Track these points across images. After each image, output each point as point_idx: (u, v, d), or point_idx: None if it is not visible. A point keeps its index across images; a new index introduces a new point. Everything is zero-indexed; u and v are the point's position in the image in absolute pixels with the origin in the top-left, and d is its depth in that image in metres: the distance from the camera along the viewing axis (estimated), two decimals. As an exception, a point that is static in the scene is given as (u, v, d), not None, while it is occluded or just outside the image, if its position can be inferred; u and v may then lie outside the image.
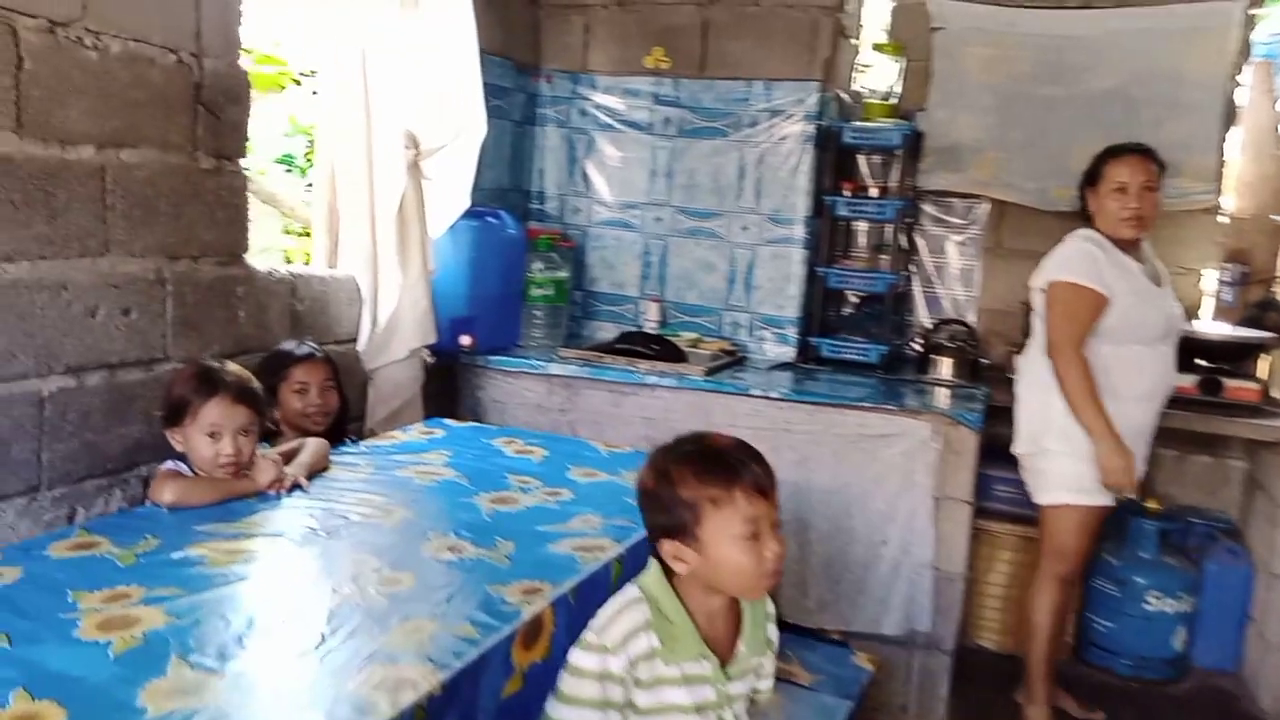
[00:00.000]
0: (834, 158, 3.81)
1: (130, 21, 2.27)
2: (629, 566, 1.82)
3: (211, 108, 2.51)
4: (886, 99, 3.95)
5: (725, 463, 1.57)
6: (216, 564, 1.67)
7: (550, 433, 3.29)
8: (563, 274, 3.79)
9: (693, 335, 3.84)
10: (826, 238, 3.79)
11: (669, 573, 1.59)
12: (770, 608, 1.72)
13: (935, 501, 3.08)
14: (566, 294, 3.83)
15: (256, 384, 2.20)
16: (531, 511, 2.06)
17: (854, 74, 4.13)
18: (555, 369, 3.40)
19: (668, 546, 1.58)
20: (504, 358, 3.46)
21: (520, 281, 3.66)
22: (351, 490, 2.12)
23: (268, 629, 1.44)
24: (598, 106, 3.96)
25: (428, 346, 3.42)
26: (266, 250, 3.14)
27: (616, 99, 3.94)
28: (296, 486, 2.12)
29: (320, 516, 1.94)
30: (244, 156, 2.65)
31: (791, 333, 3.82)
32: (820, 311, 3.82)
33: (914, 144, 3.84)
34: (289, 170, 4.23)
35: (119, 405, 2.35)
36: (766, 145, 3.77)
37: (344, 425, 2.74)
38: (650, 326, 3.87)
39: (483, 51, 3.58)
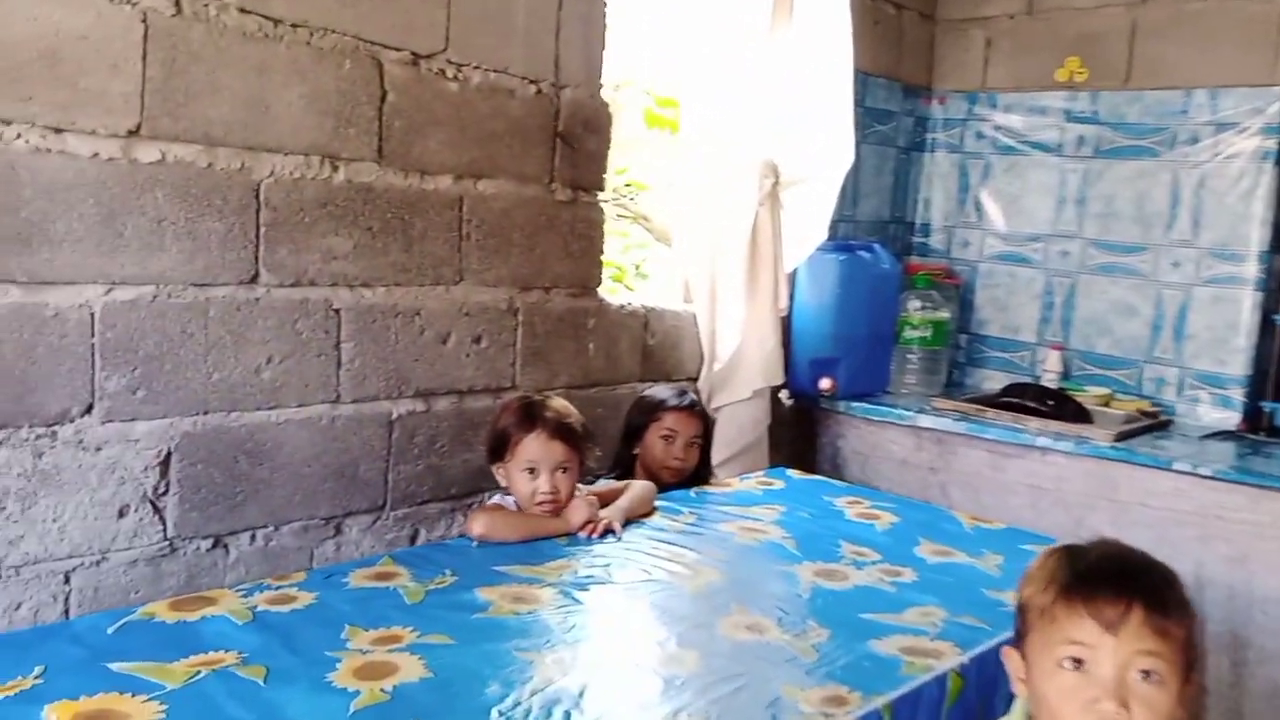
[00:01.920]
0: (1303, 179, 3.05)
1: (491, 53, 2.29)
2: (973, 685, 1.45)
3: (569, 139, 2.48)
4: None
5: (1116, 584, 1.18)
6: (498, 612, 1.55)
7: (914, 496, 2.91)
8: (943, 315, 3.38)
9: (1102, 392, 3.25)
10: (1289, 278, 3.04)
11: None
12: None
13: None
14: (947, 337, 3.41)
15: (578, 420, 2.10)
16: (860, 592, 1.75)
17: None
18: (927, 421, 3.01)
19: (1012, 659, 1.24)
20: (869, 405, 3.13)
21: (893, 322, 3.32)
22: (665, 542, 1.94)
23: (515, 703, 1.27)
24: (997, 128, 3.52)
25: (785, 388, 3.21)
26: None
27: (1020, 118, 3.47)
28: (610, 531, 1.98)
29: (621, 569, 1.77)
30: (602, 189, 2.60)
31: (1236, 394, 3.10)
32: (1278, 370, 3.06)
33: None
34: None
35: (465, 431, 2.36)
36: (1209, 166, 3.11)
37: (695, 483, 2.58)
38: (1048, 379, 3.34)
39: (866, 73, 3.34)
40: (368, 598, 1.58)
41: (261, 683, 1.28)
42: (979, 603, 1.73)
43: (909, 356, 3.37)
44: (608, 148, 2.59)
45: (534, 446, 2.01)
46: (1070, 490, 2.77)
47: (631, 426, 2.51)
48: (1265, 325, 3.06)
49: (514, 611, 1.55)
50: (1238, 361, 3.09)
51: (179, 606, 1.50)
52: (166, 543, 1.92)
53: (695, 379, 2.94)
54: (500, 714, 1.24)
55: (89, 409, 1.79)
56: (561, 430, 2.05)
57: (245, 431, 2.00)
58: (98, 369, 1.79)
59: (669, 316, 2.88)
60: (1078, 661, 1.15)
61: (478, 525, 1.90)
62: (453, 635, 1.45)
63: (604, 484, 2.20)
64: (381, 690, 1.28)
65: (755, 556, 1.92)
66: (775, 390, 3.16)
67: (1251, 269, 3.06)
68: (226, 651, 1.36)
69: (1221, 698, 2.52)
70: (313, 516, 2.13)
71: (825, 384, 3.16)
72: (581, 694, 1.30)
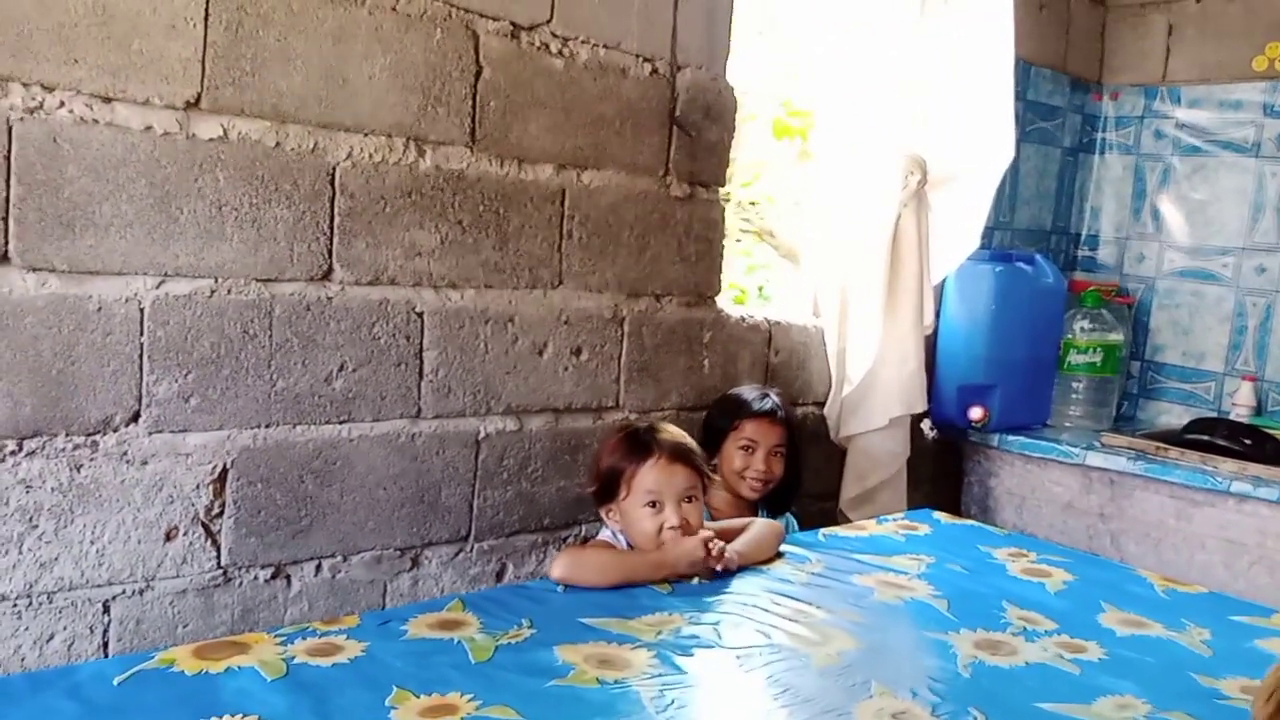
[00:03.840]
0: None
1: (602, 26, 2.03)
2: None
3: (687, 126, 2.19)
4: None
5: None
6: (578, 679, 1.26)
7: (1080, 546, 2.51)
8: (1115, 338, 2.95)
9: (1307, 430, 2.76)
10: None
11: None
12: None
13: None
14: (1118, 364, 2.98)
15: (694, 444, 1.80)
16: (1033, 672, 1.39)
17: None
18: (1096, 459, 2.59)
19: None
20: (1026, 439, 2.73)
21: (1055, 345, 2.90)
22: (787, 595, 1.61)
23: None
24: (1180, 125, 3.08)
25: (924, 417, 2.84)
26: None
27: (1208, 114, 3.02)
28: (727, 570, 1.67)
29: (734, 629, 1.46)
30: (723, 184, 2.31)
31: None
32: None
33: None
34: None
35: (561, 455, 2.09)
36: None
37: (788, 500, 2.25)
38: (1239, 414, 2.87)
39: (1027, 63, 2.96)
40: (427, 652, 1.31)
41: (273, 762, 1.02)
42: (1190, 692, 1.36)
43: (1073, 385, 2.95)
44: (731, 138, 2.29)
45: (653, 475, 1.72)
46: (1275, 548, 2.32)
47: (708, 435, 2.19)
48: None
49: (598, 679, 1.26)
50: None
51: (204, 653, 1.26)
52: (220, 571, 1.70)
53: (823, 403, 2.61)
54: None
55: (135, 417, 1.58)
56: (681, 453, 1.75)
57: (313, 448, 1.77)
58: (146, 372, 1.59)
59: (796, 332, 2.56)
60: None
61: (559, 567, 1.61)
62: (520, 709, 1.17)
63: (724, 524, 1.88)
64: (426, 782, 1.00)
65: (900, 620, 1.57)
66: (916, 420, 2.80)
67: None
68: (245, 716, 1.11)
69: None
70: (387, 546, 1.88)
71: (976, 414, 2.77)
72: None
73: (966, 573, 1.80)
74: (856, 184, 2.52)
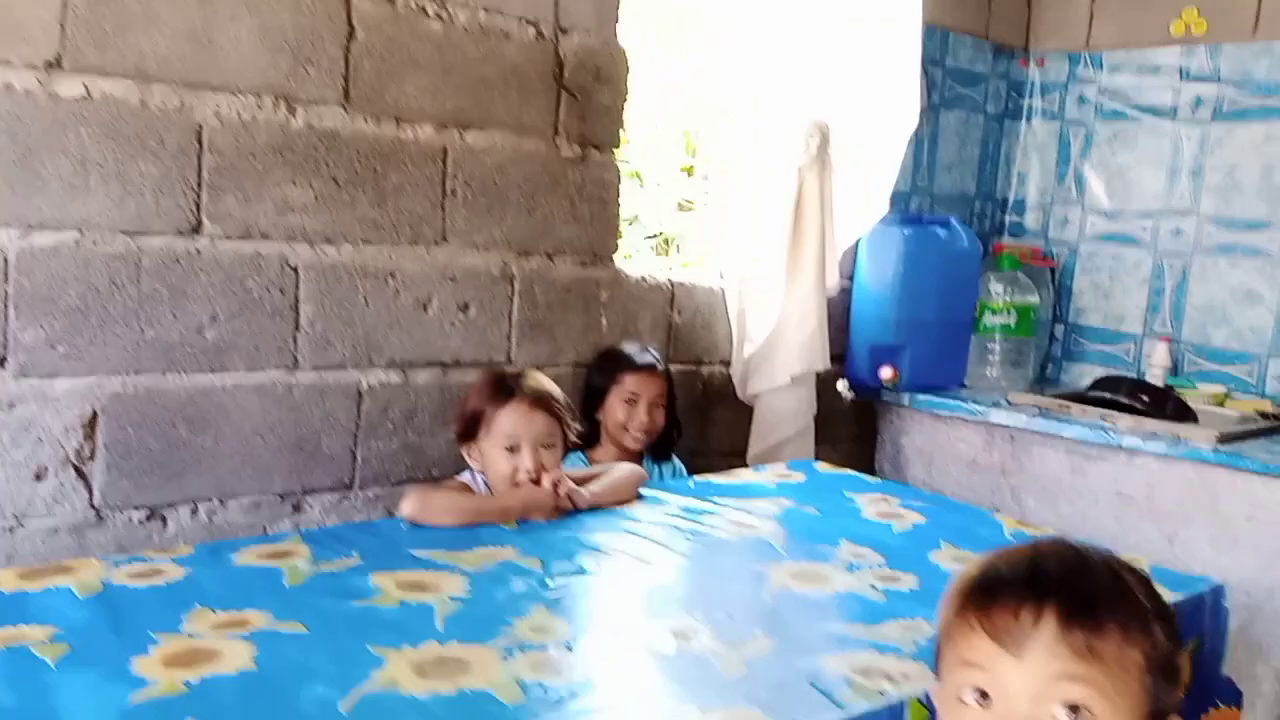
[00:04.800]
0: None
1: (480, -10, 2.08)
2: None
3: (576, 89, 2.24)
4: None
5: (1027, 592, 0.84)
6: (382, 601, 1.32)
7: (982, 501, 2.55)
8: (1031, 300, 2.98)
9: (1217, 389, 2.79)
10: None
11: None
12: None
13: None
14: (1034, 326, 3.01)
15: (559, 393, 1.86)
16: (837, 600, 1.44)
17: None
18: (999, 417, 2.63)
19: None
20: (935, 398, 2.77)
21: (971, 307, 2.94)
22: (633, 533, 1.67)
23: (329, 709, 1.04)
24: (1102, 91, 3.10)
25: (844, 379, 2.89)
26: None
27: (1129, 79, 3.04)
28: (575, 509, 1.73)
29: (559, 560, 1.51)
30: (617, 146, 2.36)
31: (1382, 396, 2.60)
32: None
33: None
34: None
35: (449, 408, 2.14)
36: (1353, 125, 2.63)
37: (668, 449, 2.31)
38: (1154, 375, 2.90)
39: (947, 29, 2.99)
40: (244, 578, 1.38)
41: (51, 664, 1.09)
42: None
43: (989, 347, 2.98)
44: (624, 101, 2.34)
45: (512, 419, 1.78)
46: (1163, 500, 2.36)
47: (591, 393, 2.26)
48: None
49: (400, 601, 1.32)
50: (1385, 357, 2.59)
51: (29, 575, 1.33)
52: (93, 511, 1.77)
53: (730, 363, 2.66)
54: (306, 721, 1.01)
55: (1, 362, 1.66)
56: (542, 400, 1.81)
57: (185, 395, 1.84)
58: (12, 319, 1.66)
59: (700, 292, 2.61)
60: (982, 694, 0.84)
61: (408, 504, 1.68)
62: (310, 624, 1.23)
63: (584, 469, 1.95)
64: (182, 683, 1.06)
65: (729, 554, 1.63)
66: (831, 380, 2.85)
67: (1405, 247, 2.56)
68: (41, 626, 1.18)
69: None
70: (266, 491, 1.96)
71: (885, 373, 2.81)
72: (417, 704, 1.05)
73: (818, 515, 1.85)
74: (759, 147, 2.57)
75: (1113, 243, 3.09)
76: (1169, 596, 1.53)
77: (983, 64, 3.15)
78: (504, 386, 1.82)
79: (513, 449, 1.77)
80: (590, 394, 2.26)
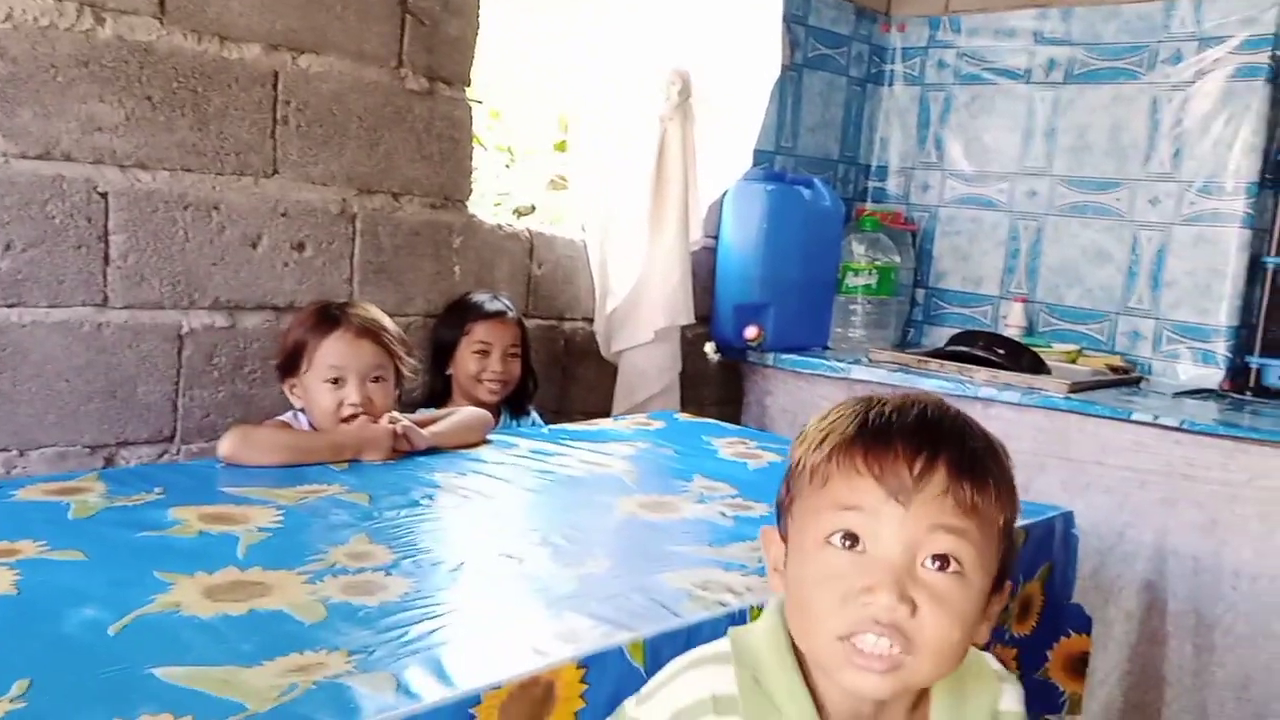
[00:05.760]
0: (1301, 101, 2.65)
1: (314, -98, 1.94)
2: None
3: (422, 16, 2.12)
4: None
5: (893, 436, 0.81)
6: (179, 532, 1.18)
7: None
8: (892, 260, 2.99)
9: (1070, 347, 2.85)
10: (1283, 215, 2.63)
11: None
12: (1008, 702, 0.89)
13: None
14: (895, 286, 3.02)
15: (391, 324, 1.74)
16: (685, 524, 1.37)
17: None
18: (859, 373, 2.62)
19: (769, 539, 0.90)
20: (798, 357, 2.75)
21: (834, 268, 2.93)
22: (478, 473, 1.56)
23: (93, 630, 0.90)
24: (961, 54, 3.13)
25: (711, 341, 2.84)
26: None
27: (986, 42, 3.08)
28: (412, 450, 1.61)
29: (387, 496, 1.39)
30: (468, 83, 2.24)
31: (1221, 349, 2.69)
32: (1268, 322, 2.65)
33: None
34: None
35: (285, 355, 2.00)
36: (1193, 87, 2.71)
37: (524, 401, 2.21)
38: (1012, 334, 2.94)
39: (813, -11, 2.97)
40: (23, 511, 1.22)
41: None
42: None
43: (852, 308, 2.98)
44: (475, 33, 2.23)
45: (337, 349, 1.65)
46: (1018, 448, 2.32)
47: (440, 346, 2.14)
48: (1253, 270, 2.66)
49: (200, 531, 1.18)
50: (1221, 312, 2.68)
51: None
52: None
53: (593, 319, 2.57)
54: (72, 641, 0.87)
55: None
56: (370, 329, 1.68)
57: (-27, 330, 1.64)
58: None
59: (561, 244, 2.52)
60: (851, 539, 0.79)
61: (225, 443, 1.53)
62: (90, 552, 1.09)
63: (425, 413, 1.82)
64: (-79, 610, 0.91)
65: (577, 488, 1.54)
66: (698, 343, 2.80)
67: (1238, 204, 2.65)
68: None
69: (1182, 689, 2.11)
70: (74, 443, 1.77)
71: (750, 333, 2.78)
72: (198, 624, 0.93)
73: (674, 455, 1.78)
74: (620, 96, 2.49)
75: (971, 206, 3.13)
76: (1022, 520, 1.52)
77: (845, 26, 3.15)
78: (328, 315, 1.69)
79: (337, 382, 1.64)
80: (439, 348, 2.14)
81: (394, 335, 1.71)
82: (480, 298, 2.16)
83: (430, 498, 1.40)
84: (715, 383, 2.92)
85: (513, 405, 2.19)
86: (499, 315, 2.12)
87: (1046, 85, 2.97)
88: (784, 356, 2.76)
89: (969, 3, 3.13)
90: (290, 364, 1.69)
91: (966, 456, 0.80)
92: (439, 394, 2.15)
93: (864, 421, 0.82)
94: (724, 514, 1.42)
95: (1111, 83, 2.85)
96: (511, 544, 1.22)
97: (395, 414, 1.64)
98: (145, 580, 1.02)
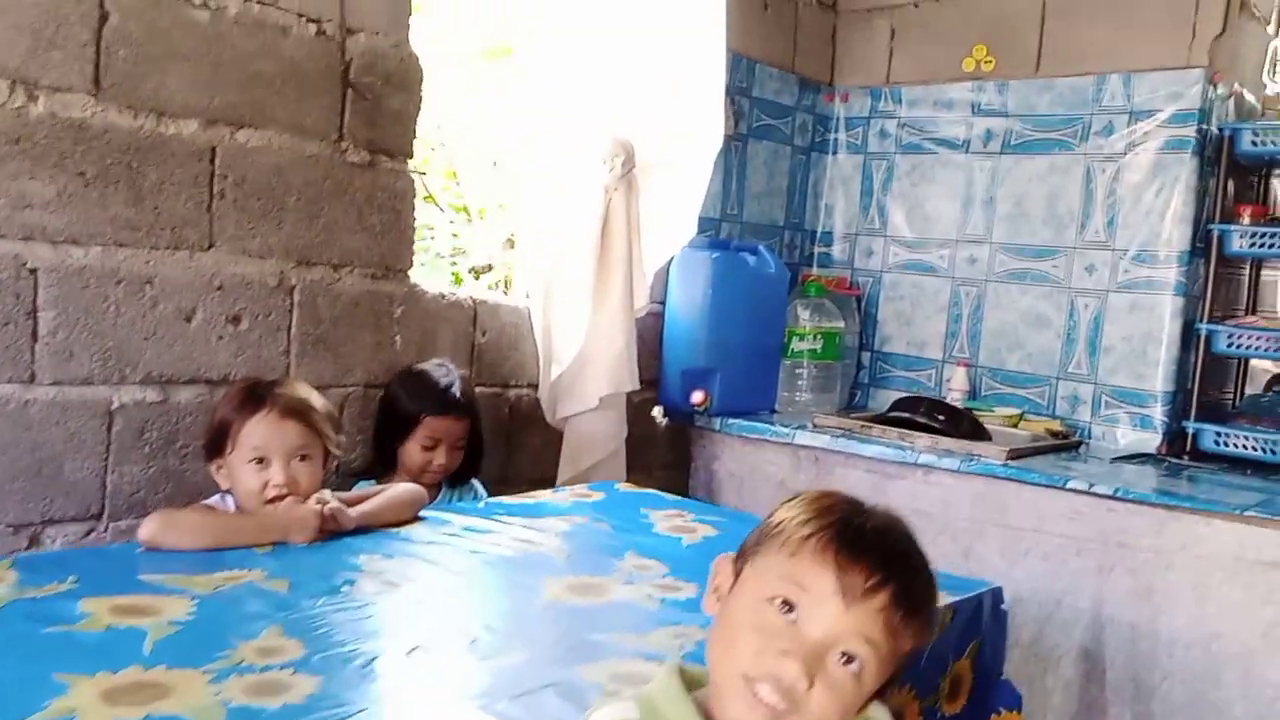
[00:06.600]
0: (1226, 173, 2.72)
1: (254, -19, 1.96)
2: None
3: (364, 90, 2.14)
4: (1319, 96, 2.80)
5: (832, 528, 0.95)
6: (87, 626, 1.16)
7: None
8: (836, 325, 3.03)
9: (1011, 412, 2.88)
10: (1212, 283, 2.69)
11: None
12: None
13: (1376, 683, 1.90)
14: (839, 351, 3.05)
15: (319, 402, 1.73)
16: (611, 609, 1.36)
17: (1268, 67, 3.00)
18: (805, 439, 2.64)
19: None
20: (745, 422, 2.76)
21: (779, 333, 2.96)
22: (401, 553, 1.55)
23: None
24: (902, 124, 3.20)
25: (659, 405, 2.85)
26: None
27: (925, 112, 3.16)
28: (338, 530, 1.59)
29: (309, 582, 1.37)
30: (410, 155, 2.25)
31: (1158, 414, 2.74)
32: (1202, 386, 2.70)
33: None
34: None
35: (219, 429, 1.98)
36: (1125, 159, 2.79)
37: (467, 474, 2.19)
38: (954, 399, 2.97)
39: (754, 60, 3.04)
40: (-77, 605, 1.19)
41: None
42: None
43: (798, 372, 3.01)
44: (417, 108, 2.25)
45: (261, 430, 1.64)
46: (957, 515, 2.40)
47: (389, 423, 2.11)
48: (1187, 336, 2.71)
49: (106, 626, 1.16)
50: (1157, 377, 2.73)
51: None
52: None
53: (537, 386, 2.57)
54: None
55: None
56: (296, 409, 1.67)
57: (-109, 409, 1.61)
58: None
59: (505, 311, 2.52)
60: (790, 607, 0.91)
61: (146, 527, 1.51)
62: (-12, 651, 1.06)
63: (357, 491, 1.80)
64: None
65: (505, 569, 1.53)
66: (646, 406, 2.80)
67: (1171, 272, 2.72)
68: None
69: (1121, 760, 2.12)
70: (-4, 522, 1.73)
71: (697, 397, 2.79)
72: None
73: (610, 530, 1.78)
74: (563, 167, 2.51)
75: (914, 271, 3.18)
76: (949, 599, 1.53)
77: (789, 97, 3.21)
78: (254, 395, 1.68)
79: (262, 462, 1.62)
80: (389, 425, 2.11)
81: (321, 414, 1.70)
82: (436, 375, 2.13)
83: (352, 583, 1.38)
84: (663, 447, 2.92)
85: (454, 476, 2.17)
86: (453, 412, 2.09)
87: (985, 155, 3.04)
88: (731, 421, 2.78)
89: (909, 74, 3.21)
90: (216, 445, 1.67)
91: (912, 591, 0.93)
92: (381, 466, 2.13)
93: (848, 524, 0.94)
94: (651, 596, 1.42)
95: (1047, 153, 2.92)
96: (429, 635, 1.21)
97: (323, 493, 1.63)
98: (43, 683, 0.99)
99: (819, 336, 2.99)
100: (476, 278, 2.81)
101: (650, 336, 2.81)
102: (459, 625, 1.24)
